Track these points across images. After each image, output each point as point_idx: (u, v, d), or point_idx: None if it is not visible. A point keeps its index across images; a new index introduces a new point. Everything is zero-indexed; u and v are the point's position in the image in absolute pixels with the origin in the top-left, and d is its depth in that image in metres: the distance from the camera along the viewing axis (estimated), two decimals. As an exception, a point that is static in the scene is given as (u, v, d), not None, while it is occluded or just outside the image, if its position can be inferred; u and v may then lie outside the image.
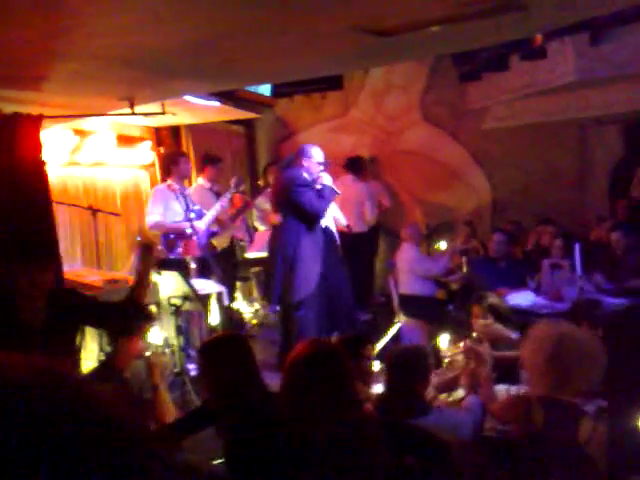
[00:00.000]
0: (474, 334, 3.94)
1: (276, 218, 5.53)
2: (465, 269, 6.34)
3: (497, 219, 8.37)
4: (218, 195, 6.42)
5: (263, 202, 7.19)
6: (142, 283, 3.17)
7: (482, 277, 5.88)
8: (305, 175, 5.32)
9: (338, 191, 5.53)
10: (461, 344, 3.51)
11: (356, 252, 7.38)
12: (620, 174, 8.02)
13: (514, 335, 3.43)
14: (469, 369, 3.18)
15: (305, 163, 5.33)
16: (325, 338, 3.23)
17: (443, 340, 3.54)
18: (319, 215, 5.29)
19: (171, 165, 5.85)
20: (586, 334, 2.57)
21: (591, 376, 2.52)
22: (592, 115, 7.60)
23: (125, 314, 3.06)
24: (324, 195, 5.28)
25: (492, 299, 3.99)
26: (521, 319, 4.34)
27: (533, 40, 6.21)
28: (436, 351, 3.80)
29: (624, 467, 2.41)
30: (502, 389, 3.36)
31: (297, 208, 5.22)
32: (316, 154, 5.37)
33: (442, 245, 7.26)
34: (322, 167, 5.38)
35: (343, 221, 6.66)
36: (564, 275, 5.30)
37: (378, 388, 3.72)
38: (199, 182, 6.64)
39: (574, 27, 5.59)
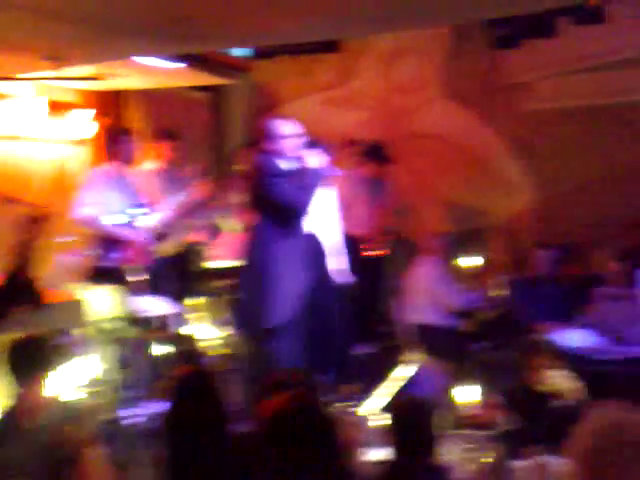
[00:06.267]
0: None
1: (247, 218, 5.47)
2: (503, 292, 6.25)
3: (542, 227, 8.36)
4: (174, 182, 6.41)
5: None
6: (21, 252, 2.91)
7: (525, 306, 5.83)
8: (280, 162, 5.12)
9: (336, 171, 5.28)
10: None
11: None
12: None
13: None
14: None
15: (271, 146, 5.12)
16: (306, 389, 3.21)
17: (462, 392, 3.52)
18: (298, 211, 5.08)
19: (111, 144, 5.88)
20: None
21: None
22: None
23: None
24: (305, 183, 5.03)
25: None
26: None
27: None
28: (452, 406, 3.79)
29: None
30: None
31: (270, 205, 5.10)
32: (285, 128, 5.14)
33: (463, 262, 7.23)
34: (301, 142, 5.12)
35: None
36: (623, 309, 5.30)
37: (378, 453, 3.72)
38: (150, 165, 6.65)
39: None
